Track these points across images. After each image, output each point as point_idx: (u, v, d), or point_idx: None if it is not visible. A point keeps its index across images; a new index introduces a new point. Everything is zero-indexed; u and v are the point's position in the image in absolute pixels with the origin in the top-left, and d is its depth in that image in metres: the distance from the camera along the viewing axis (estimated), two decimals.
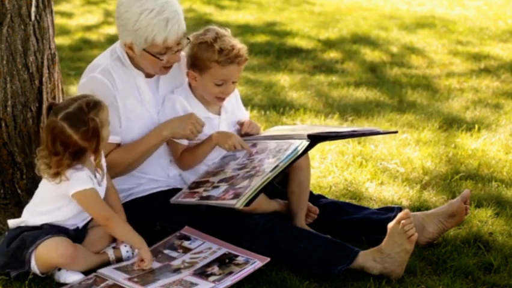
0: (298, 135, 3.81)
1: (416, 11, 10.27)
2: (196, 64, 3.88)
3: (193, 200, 3.77)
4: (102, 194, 3.62)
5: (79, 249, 3.56)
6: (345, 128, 4.22)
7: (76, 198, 3.50)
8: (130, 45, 3.78)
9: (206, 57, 3.84)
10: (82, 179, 3.49)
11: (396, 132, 4.49)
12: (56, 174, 3.48)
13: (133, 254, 3.67)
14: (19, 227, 3.61)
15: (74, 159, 3.49)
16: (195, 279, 3.48)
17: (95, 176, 3.57)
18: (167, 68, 3.86)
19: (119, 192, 3.83)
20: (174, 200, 3.85)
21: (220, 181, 3.79)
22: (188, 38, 3.84)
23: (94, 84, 3.78)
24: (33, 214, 3.61)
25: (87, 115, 3.45)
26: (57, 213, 3.58)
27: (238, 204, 3.55)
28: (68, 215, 3.59)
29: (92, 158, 3.52)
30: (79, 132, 3.45)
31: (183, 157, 3.93)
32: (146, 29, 3.69)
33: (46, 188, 3.58)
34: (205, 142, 3.92)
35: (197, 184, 3.88)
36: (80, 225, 3.65)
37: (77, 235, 3.63)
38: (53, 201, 3.58)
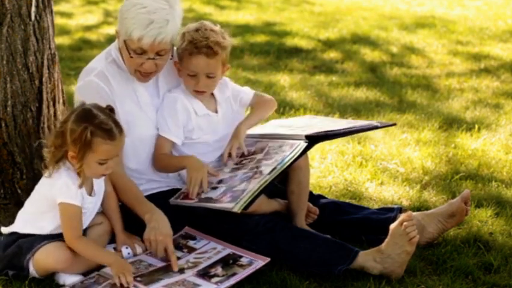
0: (297, 136, 3.81)
1: (416, 11, 10.27)
2: (178, 53, 3.90)
3: (191, 202, 3.77)
4: (95, 204, 3.60)
5: (76, 253, 3.53)
6: (343, 123, 4.18)
7: (60, 208, 3.46)
8: (118, 32, 3.80)
9: (181, 46, 3.86)
10: (72, 192, 3.45)
11: (394, 124, 4.43)
12: (46, 166, 3.49)
13: (133, 255, 3.67)
14: (14, 233, 3.59)
15: (60, 151, 3.45)
16: (197, 280, 3.47)
17: (91, 191, 3.55)
18: (143, 74, 3.81)
19: None
20: (173, 200, 3.84)
21: (219, 182, 3.78)
22: (172, 57, 3.86)
23: (91, 88, 3.78)
24: (24, 219, 3.58)
25: (88, 124, 3.40)
26: (41, 220, 3.54)
27: (236, 208, 3.55)
28: (51, 224, 3.54)
29: (76, 164, 3.45)
30: (72, 128, 3.41)
31: (160, 158, 3.90)
32: (130, 20, 3.70)
33: (36, 190, 3.58)
34: (181, 160, 3.89)
35: None
36: None
37: None
38: (40, 204, 3.54)
